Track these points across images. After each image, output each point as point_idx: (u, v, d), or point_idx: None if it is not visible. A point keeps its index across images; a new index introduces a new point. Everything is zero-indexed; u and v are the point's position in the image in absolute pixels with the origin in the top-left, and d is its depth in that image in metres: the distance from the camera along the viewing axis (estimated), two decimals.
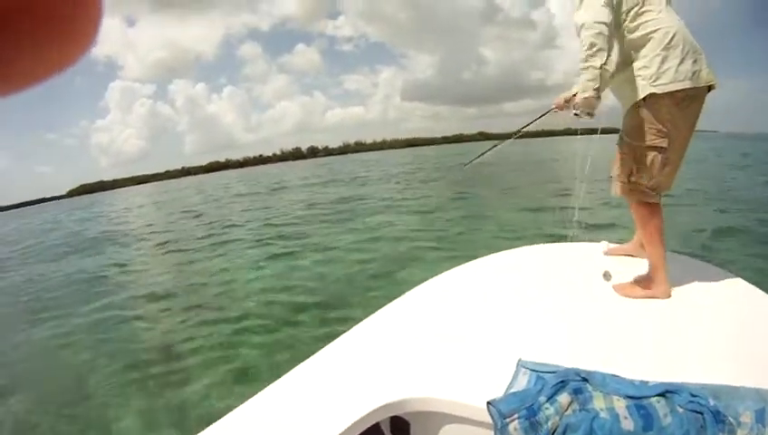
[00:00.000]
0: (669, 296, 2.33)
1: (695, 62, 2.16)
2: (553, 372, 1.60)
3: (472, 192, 16.73)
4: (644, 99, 2.25)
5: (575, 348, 1.89)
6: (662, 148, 2.27)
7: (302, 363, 1.87)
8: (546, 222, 9.55)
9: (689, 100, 2.21)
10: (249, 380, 4.27)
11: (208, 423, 1.56)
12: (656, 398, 1.45)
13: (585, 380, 1.55)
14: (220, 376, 4.46)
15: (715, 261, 3.01)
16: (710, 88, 2.26)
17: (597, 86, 2.17)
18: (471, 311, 2.33)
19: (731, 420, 1.34)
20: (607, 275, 2.54)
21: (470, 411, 1.57)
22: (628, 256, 2.86)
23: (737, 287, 2.40)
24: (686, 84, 2.15)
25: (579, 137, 2.75)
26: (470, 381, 1.68)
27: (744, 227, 8.95)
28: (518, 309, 2.32)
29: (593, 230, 6.88)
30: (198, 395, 4.15)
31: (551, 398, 1.47)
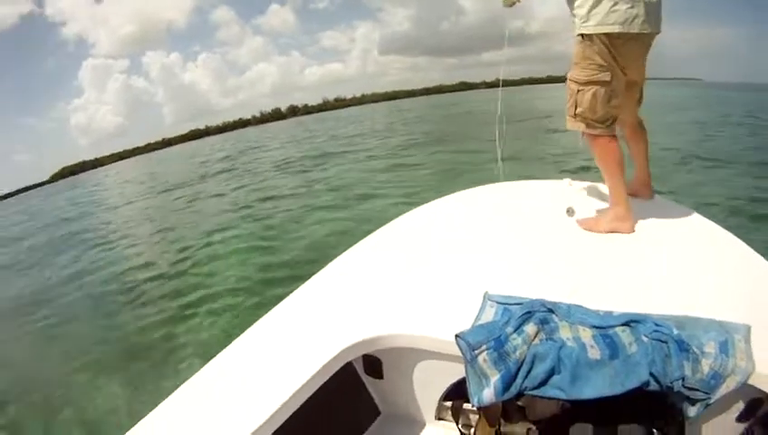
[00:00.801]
0: (633, 231, 2.36)
1: (630, 8, 2.22)
2: (519, 304, 1.64)
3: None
4: (579, 36, 2.36)
5: (540, 281, 1.91)
6: (603, 81, 2.33)
7: (272, 309, 1.89)
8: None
9: (624, 40, 2.29)
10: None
11: None
12: (620, 327, 1.48)
13: (551, 311, 1.58)
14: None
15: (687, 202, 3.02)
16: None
17: None
18: (436, 248, 2.39)
19: (695, 349, 1.37)
20: (570, 211, 2.60)
21: (440, 345, 1.60)
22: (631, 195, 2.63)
23: (703, 226, 2.43)
24: (615, 29, 2.24)
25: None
26: (439, 315, 1.72)
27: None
28: (483, 244, 2.39)
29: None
30: None
31: (518, 328, 1.50)
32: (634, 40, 2.31)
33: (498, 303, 1.70)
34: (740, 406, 1.49)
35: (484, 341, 1.46)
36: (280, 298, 2.00)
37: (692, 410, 1.37)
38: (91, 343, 5.70)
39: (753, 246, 2.13)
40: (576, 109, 2.43)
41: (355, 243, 2.54)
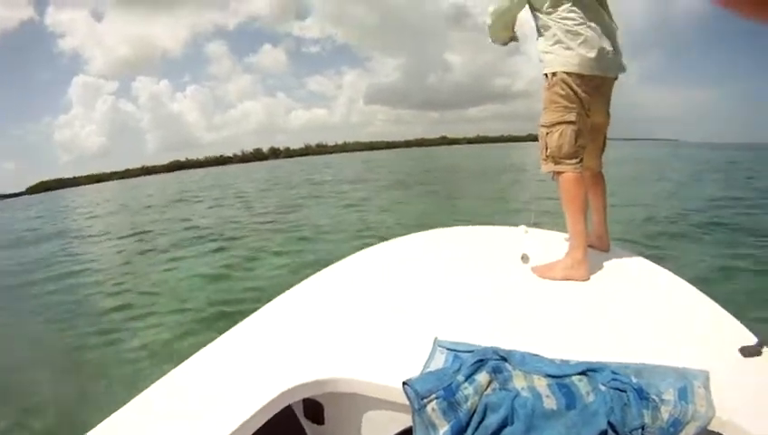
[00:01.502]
0: (587, 279, 2.34)
1: (591, 51, 2.35)
2: (471, 352, 1.54)
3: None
4: (546, 79, 2.49)
5: (493, 328, 1.81)
6: (569, 121, 2.42)
7: (208, 345, 1.74)
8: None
9: (586, 82, 2.40)
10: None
11: None
12: (577, 376, 1.41)
13: (504, 359, 1.50)
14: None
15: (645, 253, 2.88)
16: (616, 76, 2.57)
17: (488, 23, 2.69)
18: (386, 290, 2.28)
19: (654, 397, 1.33)
20: (525, 258, 2.57)
21: (386, 392, 1.48)
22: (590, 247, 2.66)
23: (659, 275, 2.41)
24: (576, 69, 2.37)
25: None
26: (385, 360, 1.60)
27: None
28: (435, 288, 2.28)
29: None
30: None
31: (469, 377, 1.40)
32: (595, 82, 2.42)
33: (449, 349, 1.61)
34: None
35: (433, 389, 1.36)
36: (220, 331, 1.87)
37: None
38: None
39: (710, 295, 2.10)
40: (546, 151, 2.50)
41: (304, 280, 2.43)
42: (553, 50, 2.44)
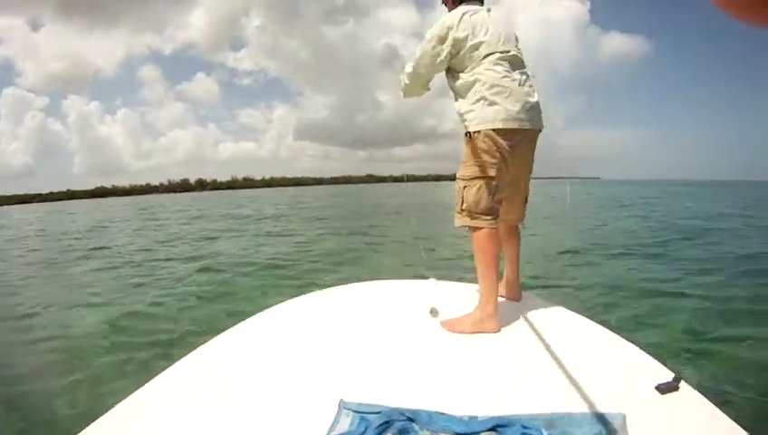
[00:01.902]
0: (498, 330, 2.34)
1: (509, 106, 2.38)
2: (378, 413, 1.54)
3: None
4: (466, 135, 2.49)
5: (401, 386, 1.81)
6: (488, 176, 2.43)
7: (105, 414, 1.65)
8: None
9: (506, 136, 2.40)
10: None
11: None
12: (486, 433, 1.41)
13: (411, 419, 1.49)
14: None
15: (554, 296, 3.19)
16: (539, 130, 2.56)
17: (406, 82, 2.74)
18: (290, 351, 2.21)
19: None
20: (434, 312, 2.55)
21: None
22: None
23: (571, 320, 2.47)
24: (496, 125, 2.38)
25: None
26: (291, 425, 1.57)
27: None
28: (341, 347, 2.24)
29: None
30: None
31: None
32: (519, 135, 2.43)
33: (354, 411, 1.59)
34: None
35: None
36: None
37: None
38: None
39: (624, 336, 2.20)
40: (462, 205, 2.49)
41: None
42: (476, 108, 2.43)
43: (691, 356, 4.99)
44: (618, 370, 1.89)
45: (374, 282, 3.34)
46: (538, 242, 12.29)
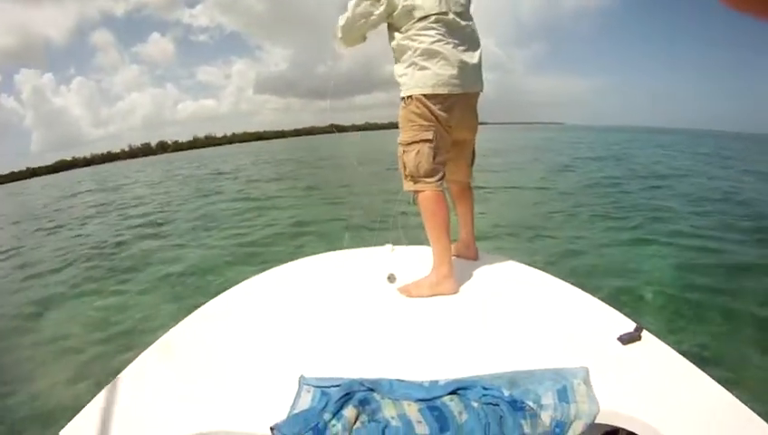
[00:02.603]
0: (455, 291, 2.29)
1: (444, 70, 2.31)
2: (337, 386, 1.50)
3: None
4: (402, 99, 2.43)
5: (360, 357, 1.77)
6: (425, 139, 2.37)
7: (76, 417, 1.57)
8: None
9: (442, 100, 2.34)
10: None
11: None
12: (448, 396, 1.40)
13: (371, 389, 1.47)
14: None
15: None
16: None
17: (339, 36, 2.62)
18: (247, 331, 2.11)
19: (530, 405, 1.33)
20: (391, 278, 2.49)
21: None
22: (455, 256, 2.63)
23: (528, 275, 2.44)
24: (428, 90, 2.32)
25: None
26: (252, 406, 1.51)
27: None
28: (298, 322, 2.15)
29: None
30: None
31: (336, 413, 1.37)
32: (453, 99, 2.37)
33: (314, 386, 1.55)
34: None
35: (301, 431, 1.34)
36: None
37: None
38: None
39: (584, 289, 2.16)
40: (405, 170, 2.46)
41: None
42: (408, 72, 2.39)
43: (653, 305, 5.04)
44: (579, 323, 1.87)
45: (330, 253, 3.23)
46: (499, 197, 12.34)
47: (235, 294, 2.58)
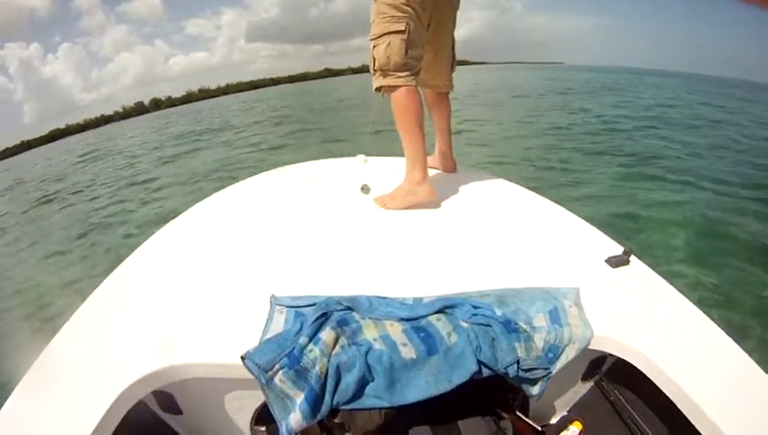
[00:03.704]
0: (432, 196, 2.17)
1: None
2: (313, 305, 1.39)
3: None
4: None
5: (336, 274, 1.65)
6: (397, 31, 2.14)
7: (42, 354, 1.42)
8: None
9: None
10: None
11: None
12: (434, 316, 1.30)
13: (350, 308, 1.35)
14: None
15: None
16: None
17: None
18: (215, 249, 1.92)
19: (523, 326, 1.26)
20: (365, 189, 2.40)
21: (229, 371, 1.29)
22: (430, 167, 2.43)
23: (512, 191, 2.34)
24: None
25: None
26: (224, 334, 1.38)
27: None
28: (269, 238, 1.98)
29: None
30: None
31: (313, 336, 1.24)
32: None
33: (288, 307, 1.41)
34: (582, 368, 1.45)
35: (275, 358, 1.18)
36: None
37: (535, 389, 1.24)
38: None
39: (570, 208, 2.06)
40: (374, 65, 2.23)
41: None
42: None
43: (641, 230, 5.23)
44: (567, 243, 1.78)
45: (298, 165, 3.06)
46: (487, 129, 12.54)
47: (197, 213, 2.38)
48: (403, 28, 2.16)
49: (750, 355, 1.19)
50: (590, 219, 1.90)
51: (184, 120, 37.64)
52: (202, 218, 2.34)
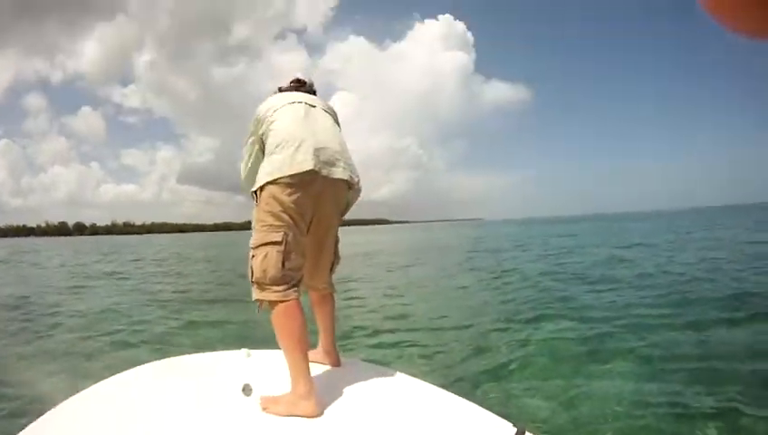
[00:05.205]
0: (315, 414, 1.91)
1: (293, 154, 2.08)
2: None
3: None
4: (254, 196, 2.16)
5: None
6: (273, 241, 2.05)
7: None
8: None
9: (293, 191, 2.06)
10: None
11: None
12: None
13: None
14: None
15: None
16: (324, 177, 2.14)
17: (243, 176, 2.47)
18: None
19: None
20: (247, 390, 2.08)
21: None
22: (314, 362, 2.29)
23: (396, 382, 2.23)
24: (286, 171, 2.05)
25: None
26: None
27: None
28: None
29: None
30: None
31: None
32: (306, 182, 2.07)
33: None
34: None
35: None
36: None
37: None
38: None
39: (460, 395, 2.02)
40: (252, 276, 2.09)
41: None
42: (261, 168, 2.14)
43: (535, 403, 4.46)
44: (458, 431, 1.73)
45: (174, 359, 2.76)
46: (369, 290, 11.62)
47: (58, 415, 2.04)
48: (280, 239, 2.05)
49: None
50: (480, 397, 1.81)
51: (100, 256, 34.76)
52: (61, 422, 2.00)
